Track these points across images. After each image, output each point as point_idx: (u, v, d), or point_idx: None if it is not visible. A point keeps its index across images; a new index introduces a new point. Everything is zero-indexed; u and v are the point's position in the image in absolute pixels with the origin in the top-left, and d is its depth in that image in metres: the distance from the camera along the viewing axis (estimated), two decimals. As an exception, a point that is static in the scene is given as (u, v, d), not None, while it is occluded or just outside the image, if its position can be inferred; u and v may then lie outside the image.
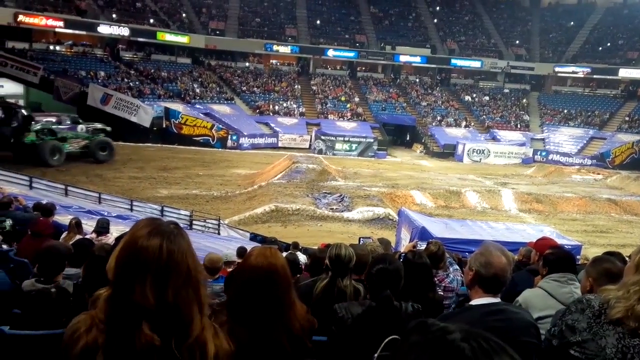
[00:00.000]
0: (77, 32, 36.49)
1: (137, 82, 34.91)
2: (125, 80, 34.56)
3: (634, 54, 43.45)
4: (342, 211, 19.71)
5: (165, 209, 17.59)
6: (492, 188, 25.03)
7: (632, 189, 26.95)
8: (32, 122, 23.22)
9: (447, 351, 0.80)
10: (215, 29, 42.94)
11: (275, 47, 43.23)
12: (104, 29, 36.89)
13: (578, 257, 11.34)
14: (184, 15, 43.47)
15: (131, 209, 17.08)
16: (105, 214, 13.87)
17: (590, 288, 2.80)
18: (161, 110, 32.09)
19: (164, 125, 31.96)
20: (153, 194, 20.70)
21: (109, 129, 26.46)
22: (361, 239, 8.58)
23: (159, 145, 31.06)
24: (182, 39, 40.61)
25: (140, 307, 1.39)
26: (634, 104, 41.29)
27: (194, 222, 17.36)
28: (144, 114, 30.93)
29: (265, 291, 2.08)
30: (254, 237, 15.77)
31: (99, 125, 26.12)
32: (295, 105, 39.54)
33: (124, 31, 37.42)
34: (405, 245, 12.99)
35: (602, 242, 17.08)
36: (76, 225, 7.35)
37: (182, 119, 32.19)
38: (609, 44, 46.03)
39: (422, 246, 4.54)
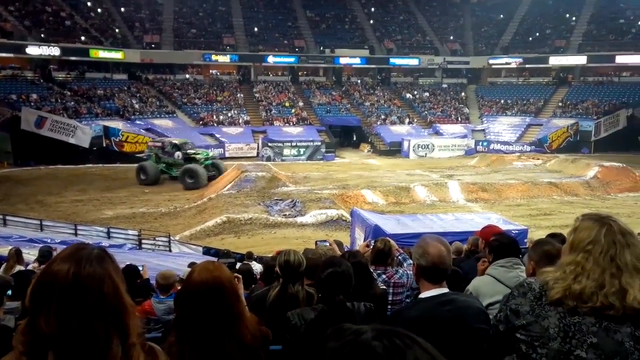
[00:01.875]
0: (3, 54, 34.84)
1: (72, 102, 33.68)
2: (60, 101, 33.29)
3: (561, 42, 45.61)
4: (295, 216, 19.65)
5: (111, 230, 17.11)
6: (439, 181, 25.60)
7: (570, 171, 28.18)
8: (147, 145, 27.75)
9: (360, 352, 0.81)
10: (150, 43, 42.10)
11: (214, 57, 42.79)
12: (33, 50, 35.41)
13: (525, 240, 11.74)
14: (116, 30, 42.40)
15: (75, 234, 16.47)
16: (49, 241, 13.32)
17: (533, 271, 2.87)
18: (100, 129, 31.19)
19: (104, 145, 31.09)
20: (98, 216, 20.08)
21: (202, 154, 26.79)
22: (318, 242, 8.56)
23: (101, 165, 30.13)
24: (116, 55, 39.58)
25: (44, 336, 1.29)
26: (565, 90, 43.29)
27: (143, 241, 16.90)
28: (82, 134, 29.94)
29: (212, 306, 2.02)
30: (207, 251, 15.48)
31: (191, 152, 26.65)
32: (239, 114, 39.22)
33: (54, 51, 36.02)
34: (359, 245, 13.12)
35: (546, 224, 17.74)
36: (16, 255, 7.00)
37: (122, 137, 31.35)
38: (537, 34, 48.12)
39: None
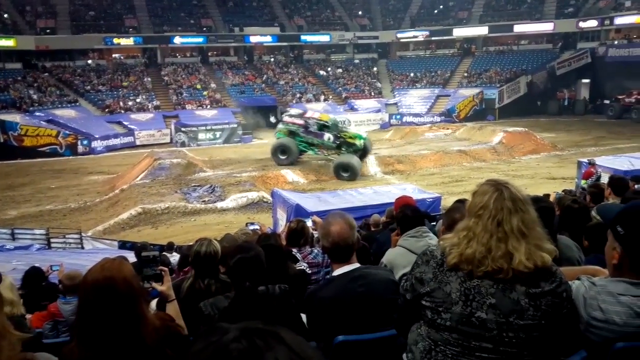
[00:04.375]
0: None
1: (-41, 96, 30.79)
2: (-55, 95, 30.31)
3: (464, 13, 47.52)
4: (214, 202, 19.26)
5: (16, 231, 15.99)
6: (357, 156, 25.94)
7: (477, 138, 29.59)
8: (281, 122, 23.32)
9: (217, 354, 0.76)
10: (45, 28, 39.25)
11: (116, 40, 40.61)
12: None
13: (440, 208, 12.19)
14: (5, 15, 39.03)
15: (-26, 239, 15.16)
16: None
17: (445, 237, 2.90)
18: (-6, 123, 28.77)
19: (2, 140, 28.76)
20: (0, 217, 18.63)
21: (360, 139, 23.12)
22: (248, 225, 8.39)
23: (-1, 162, 27.91)
24: (7, 43, 36.63)
25: None
26: (469, 60, 45.24)
27: (52, 240, 15.89)
28: (-26, 130, 27.50)
29: (105, 307, 1.89)
30: (122, 245, 14.84)
31: (348, 134, 23.27)
32: (148, 100, 37.61)
33: None
34: (282, 225, 13.07)
35: (458, 190, 18.52)
36: None
37: (21, 130, 29.21)
38: (441, 7, 49.80)
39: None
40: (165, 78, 40.90)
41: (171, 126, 34.05)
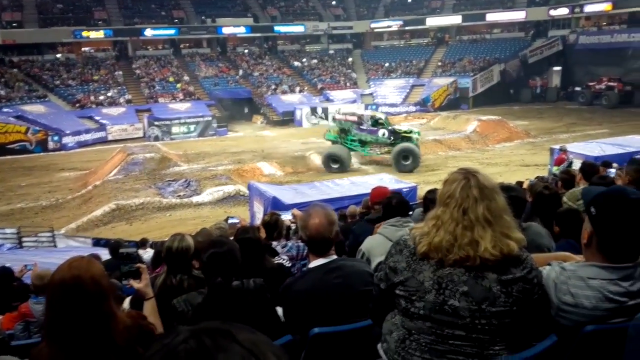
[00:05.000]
0: None
1: None
2: None
3: (437, 2, 47.78)
4: (190, 196, 19.07)
5: (-15, 231, 15.56)
6: (333, 147, 25.94)
7: (452, 127, 29.87)
8: (333, 119, 21.50)
9: (167, 356, 0.75)
10: (11, 21, 38.19)
11: (85, 34, 39.64)
12: None
13: (417, 197, 12.28)
14: (-33, 9, 37.81)
15: (-59, 240, 14.74)
16: None
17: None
18: (-40, 121, 27.95)
19: (-31, 138, 27.93)
20: (-32, 218, 18.15)
21: (415, 134, 22.43)
22: (229, 219, 8.28)
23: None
24: (-29, 37, 35.43)
25: None
26: (443, 50, 45.49)
27: (24, 239, 15.55)
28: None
29: (73, 306, 1.85)
30: (97, 242, 14.63)
31: (402, 129, 22.49)
32: (119, 93, 36.91)
33: None
34: (260, 218, 13.02)
35: (434, 179, 18.66)
36: None
37: (-11, 127, 28.37)
38: (415, -4, 49.89)
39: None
40: (137, 71, 40.19)
41: (144, 120, 33.48)
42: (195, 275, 3.17)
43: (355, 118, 22.76)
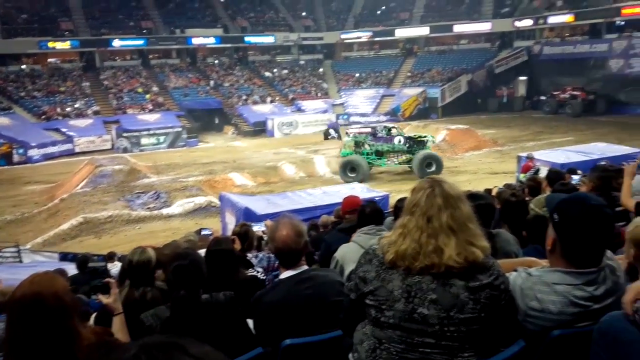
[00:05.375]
0: None
1: None
2: None
3: (405, 14, 48.49)
4: (160, 208, 18.80)
5: (-54, 249, 15.01)
6: (305, 157, 26.02)
7: (422, 136, 30.14)
8: (346, 134, 21.63)
9: None
10: (-28, 32, 37.09)
11: (51, 44, 38.83)
12: None
13: (389, 206, 12.35)
14: None
15: None
16: None
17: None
18: None
19: None
20: None
21: (430, 139, 22.10)
22: (202, 230, 8.19)
23: None
24: None
25: None
26: (412, 60, 46.15)
27: (-13, 255, 15.04)
28: None
29: (35, 323, 1.81)
30: (64, 257, 14.25)
31: (419, 136, 22.13)
32: (87, 105, 36.25)
33: None
34: (232, 229, 12.91)
35: (405, 188, 18.75)
36: None
37: (-50, 140, 27.50)
38: (384, 7, 50.56)
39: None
40: (105, 82, 39.55)
41: (112, 132, 32.94)
42: (159, 287, 3.13)
43: (369, 129, 22.59)
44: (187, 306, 2.53)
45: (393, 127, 22.83)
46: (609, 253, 2.01)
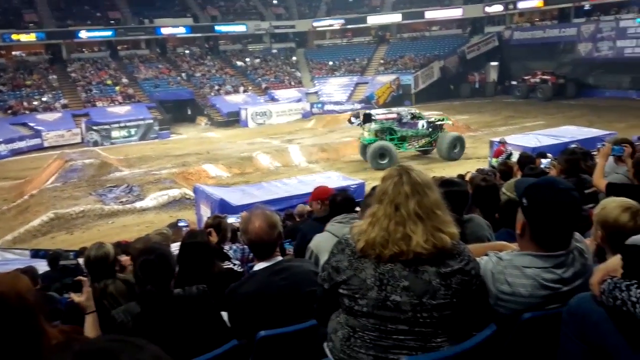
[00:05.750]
0: None
1: None
2: None
3: (377, 1, 48.51)
4: (133, 202, 18.51)
5: None
6: (280, 147, 25.91)
7: (397, 124, 30.28)
8: (372, 120, 21.46)
9: None
10: None
11: (15, 37, 37.78)
12: None
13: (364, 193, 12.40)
14: None
15: None
16: None
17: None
18: None
19: None
20: None
21: (446, 121, 22.47)
22: (179, 222, 8.11)
23: None
24: None
25: None
26: (385, 47, 46.21)
27: (-46, 254, 14.62)
28: None
29: None
30: (35, 254, 13.93)
31: (437, 119, 22.23)
32: (55, 98, 35.40)
33: None
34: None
35: (380, 176, 18.84)
36: None
37: None
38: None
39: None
40: (73, 75, 38.66)
41: (82, 125, 32.26)
42: (121, 278, 3.09)
43: (394, 115, 22.55)
44: (155, 301, 2.49)
45: (416, 112, 23.08)
46: (577, 235, 2.04)
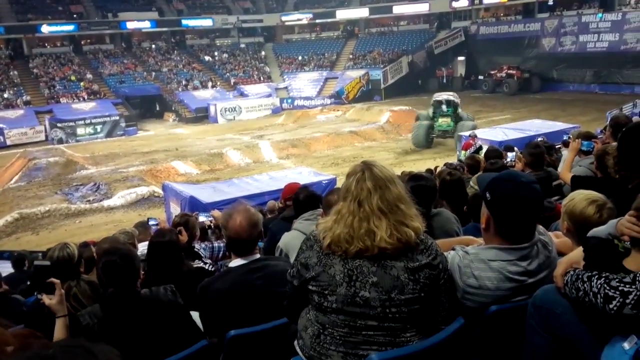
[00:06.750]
0: None
1: None
2: None
3: (344, -5, 48.40)
4: (100, 201, 18.12)
5: None
6: (250, 143, 25.73)
7: (367, 119, 30.47)
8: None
9: None
10: None
11: (-28, 32, 36.54)
12: None
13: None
14: None
15: None
16: None
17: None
18: None
19: None
20: None
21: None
22: (149, 220, 7.92)
23: None
24: None
25: None
26: (354, 42, 46.33)
27: None
28: None
29: None
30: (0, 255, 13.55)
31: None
32: (16, 95, 34.40)
33: None
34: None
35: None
36: None
37: None
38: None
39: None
40: (35, 70, 37.60)
41: (45, 122, 31.38)
42: (88, 281, 3.02)
43: (441, 98, 23.50)
44: (117, 303, 2.45)
45: (452, 100, 23.46)
46: (540, 228, 2.08)
